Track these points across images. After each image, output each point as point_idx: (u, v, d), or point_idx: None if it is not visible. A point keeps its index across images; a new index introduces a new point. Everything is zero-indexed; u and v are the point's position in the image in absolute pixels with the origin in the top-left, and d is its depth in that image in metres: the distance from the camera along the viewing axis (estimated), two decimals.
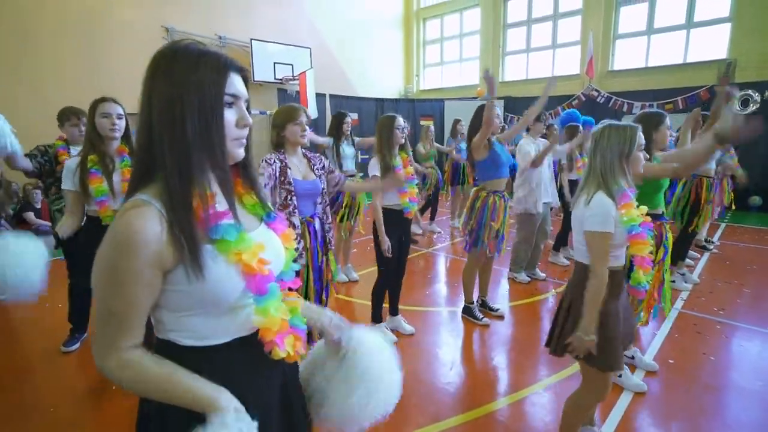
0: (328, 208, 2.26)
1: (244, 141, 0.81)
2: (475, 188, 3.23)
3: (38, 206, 5.67)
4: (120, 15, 7.48)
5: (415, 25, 12.63)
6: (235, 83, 0.78)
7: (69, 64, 7.02)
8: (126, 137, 2.19)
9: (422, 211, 6.19)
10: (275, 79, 9.14)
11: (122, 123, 2.12)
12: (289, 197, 2.06)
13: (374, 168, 2.73)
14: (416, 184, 2.86)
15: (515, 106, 10.28)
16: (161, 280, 0.73)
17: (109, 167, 2.12)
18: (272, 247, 0.87)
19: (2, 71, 6.43)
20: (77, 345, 2.77)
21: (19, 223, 5.54)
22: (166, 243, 0.71)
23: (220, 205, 0.79)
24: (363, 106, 10.52)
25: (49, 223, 5.67)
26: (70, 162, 2.10)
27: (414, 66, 12.79)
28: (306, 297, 2.21)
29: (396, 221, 2.80)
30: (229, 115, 0.77)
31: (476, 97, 11.26)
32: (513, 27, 10.85)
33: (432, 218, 6.31)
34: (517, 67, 10.97)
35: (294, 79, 9.22)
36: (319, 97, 9.20)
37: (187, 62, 0.74)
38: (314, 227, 2.15)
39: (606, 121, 1.74)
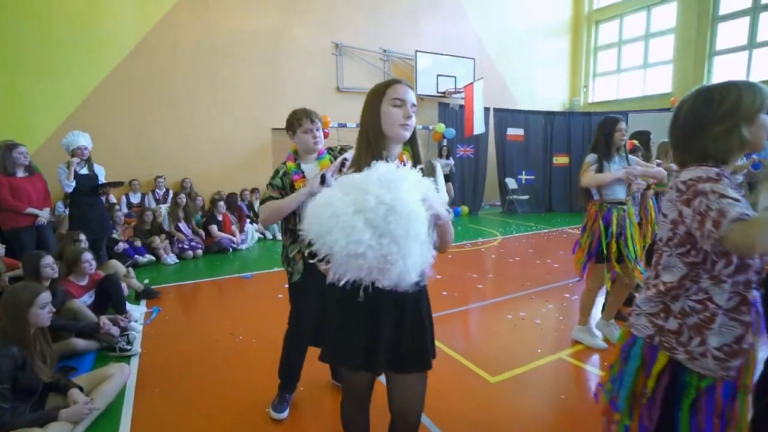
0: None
1: None
2: None
3: (220, 218, 5.69)
4: (297, 35, 7.70)
5: (585, 30, 11.08)
6: None
7: (255, 82, 7.38)
8: (411, 141, 1.40)
9: None
10: (437, 92, 8.53)
11: (413, 121, 1.34)
12: None
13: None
14: None
15: None
16: None
17: None
18: None
19: (205, 97, 7.01)
20: (287, 411, 2.10)
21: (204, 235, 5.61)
22: None
23: None
24: (530, 120, 9.28)
25: (230, 236, 5.66)
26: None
27: (582, 76, 11.19)
28: None
29: None
30: None
31: (669, 109, 9.23)
32: (726, 20, 8.67)
33: None
34: (731, 68, 8.69)
35: (458, 92, 8.51)
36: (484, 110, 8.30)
37: None
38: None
39: None
